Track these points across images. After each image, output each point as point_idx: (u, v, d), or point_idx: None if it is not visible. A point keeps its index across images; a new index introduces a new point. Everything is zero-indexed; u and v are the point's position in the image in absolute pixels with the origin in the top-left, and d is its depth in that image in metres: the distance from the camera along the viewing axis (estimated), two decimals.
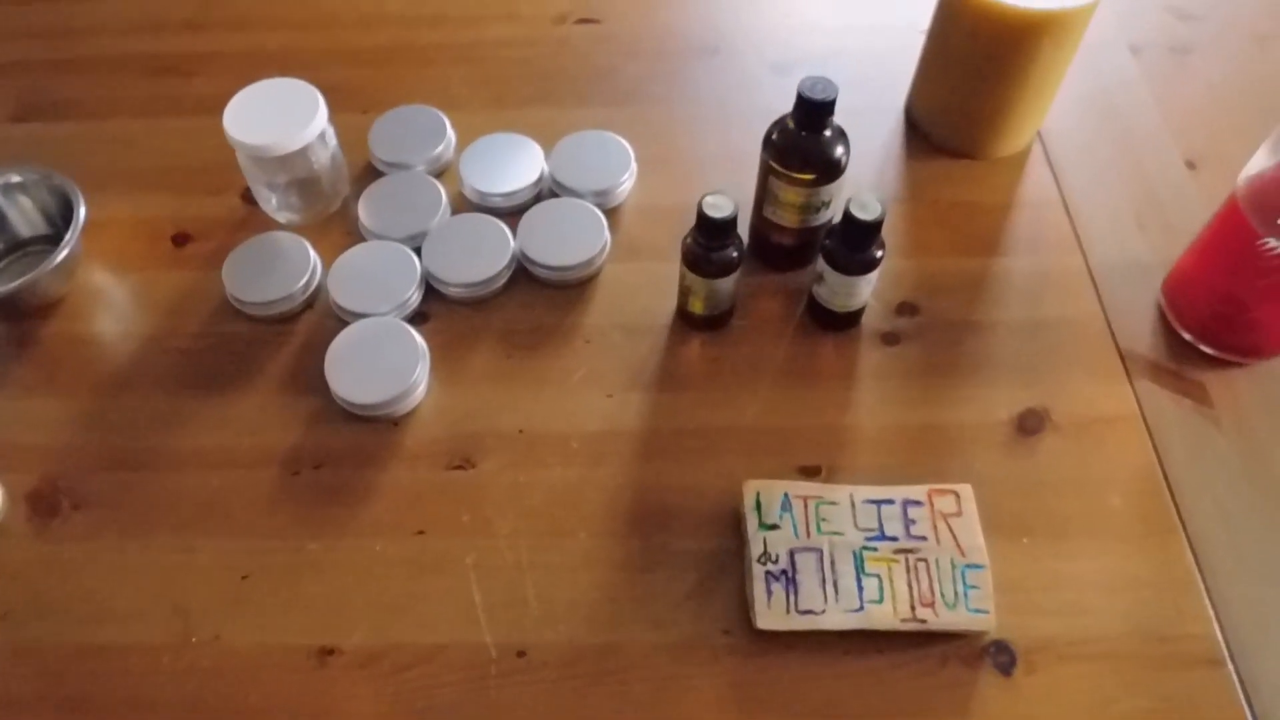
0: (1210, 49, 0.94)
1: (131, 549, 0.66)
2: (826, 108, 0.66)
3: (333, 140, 0.78)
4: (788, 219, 0.72)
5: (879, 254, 0.68)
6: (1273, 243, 0.63)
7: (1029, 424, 0.70)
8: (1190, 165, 0.84)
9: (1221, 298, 0.71)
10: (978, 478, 0.67)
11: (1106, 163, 0.85)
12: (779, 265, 0.77)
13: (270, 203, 0.80)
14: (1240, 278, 0.68)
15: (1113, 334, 0.75)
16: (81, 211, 0.76)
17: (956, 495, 0.65)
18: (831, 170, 0.69)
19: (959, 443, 0.70)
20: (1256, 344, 0.72)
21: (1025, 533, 0.66)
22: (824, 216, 0.73)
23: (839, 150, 0.68)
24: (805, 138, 0.68)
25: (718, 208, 0.66)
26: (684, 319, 0.75)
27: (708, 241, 0.67)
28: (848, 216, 0.66)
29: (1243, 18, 0.97)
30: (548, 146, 0.83)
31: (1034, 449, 0.69)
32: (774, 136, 0.70)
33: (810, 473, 0.68)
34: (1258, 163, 0.65)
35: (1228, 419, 0.70)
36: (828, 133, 0.68)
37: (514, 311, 0.76)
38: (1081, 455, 0.69)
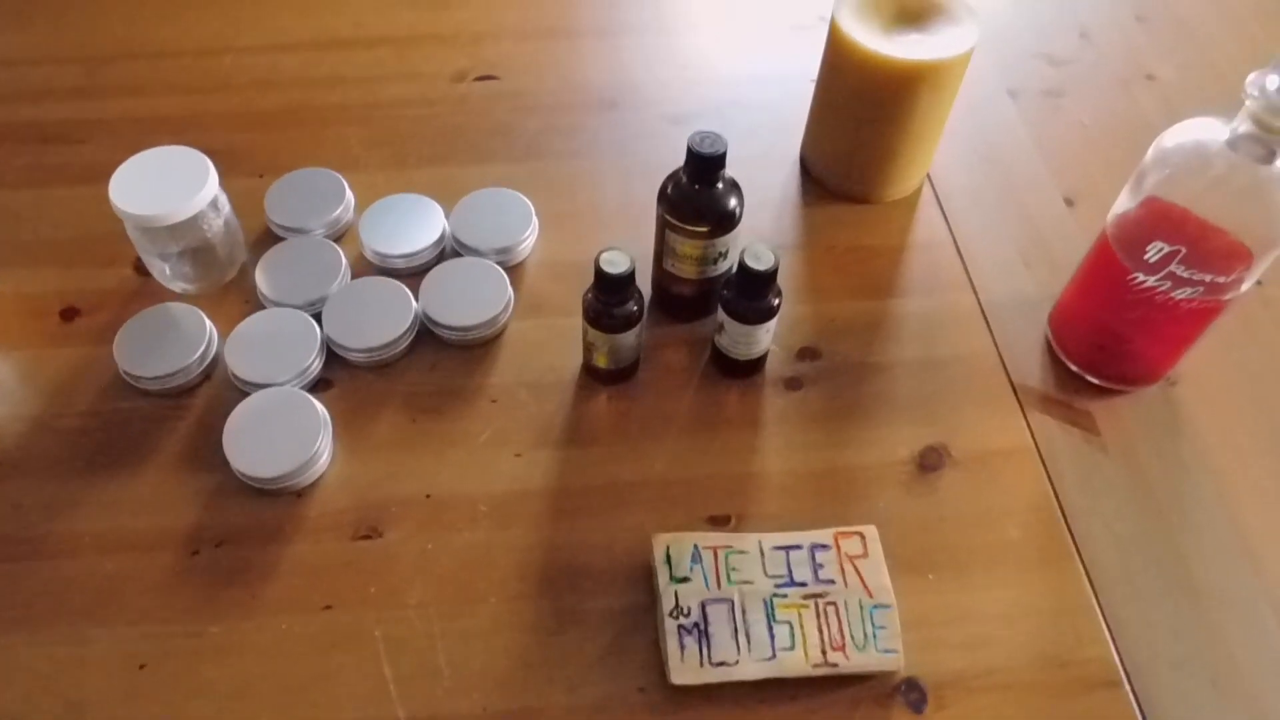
0: (1080, 92, 0.99)
1: (17, 644, 0.63)
2: (717, 161, 0.67)
3: (226, 206, 0.77)
4: (686, 271, 0.73)
5: (776, 302, 0.70)
6: (1141, 276, 0.67)
7: (929, 461, 0.72)
8: (1069, 202, 0.88)
9: (1101, 330, 0.74)
10: (882, 517, 0.68)
11: (992, 203, 0.88)
12: (681, 316, 0.78)
13: (164, 273, 0.78)
14: (1115, 311, 0.71)
15: (1005, 368, 0.77)
16: None
17: (862, 536, 0.66)
18: (726, 222, 0.70)
19: (863, 483, 0.71)
20: (1136, 373, 0.75)
21: (930, 568, 0.67)
22: (722, 267, 0.74)
23: (732, 202, 0.70)
24: (698, 191, 0.69)
25: (614, 264, 0.66)
26: (589, 373, 0.75)
27: (607, 297, 0.68)
28: (742, 267, 0.67)
29: (1107, 61, 1.02)
30: (448, 205, 0.83)
31: (934, 485, 0.71)
32: (669, 190, 0.71)
33: (719, 522, 0.69)
34: (1122, 203, 0.69)
35: (1114, 446, 0.73)
36: (720, 185, 0.69)
37: (418, 374, 0.76)
38: (980, 489, 0.71)
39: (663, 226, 0.72)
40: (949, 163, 0.89)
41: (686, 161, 0.68)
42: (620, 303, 0.68)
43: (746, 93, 0.97)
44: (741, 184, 0.71)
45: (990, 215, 0.87)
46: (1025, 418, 0.75)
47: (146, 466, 0.70)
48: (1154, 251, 0.65)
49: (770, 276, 0.67)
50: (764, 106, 0.95)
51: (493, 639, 0.63)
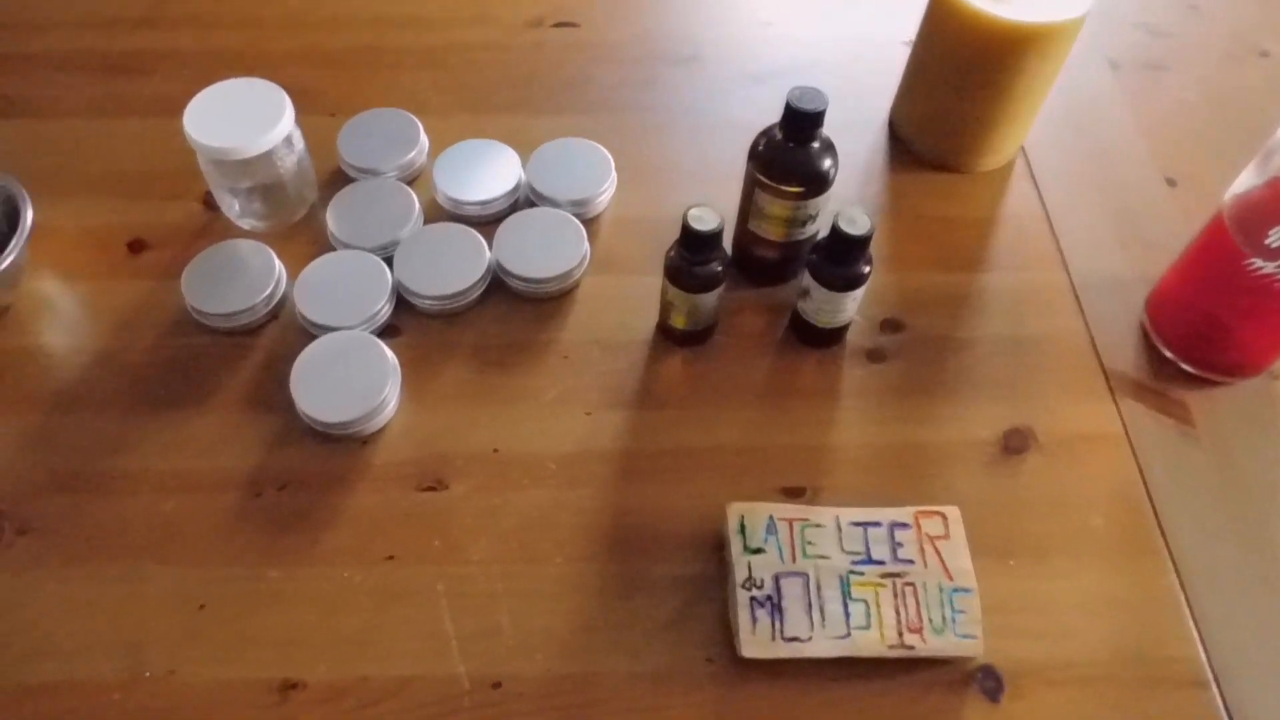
0: (1184, 66, 0.94)
1: (78, 578, 0.62)
2: (815, 119, 0.64)
3: (300, 144, 0.75)
4: (772, 232, 0.70)
5: (866, 269, 0.67)
6: (1259, 263, 0.63)
7: (1013, 443, 0.69)
8: (1170, 182, 0.84)
9: (1204, 317, 0.70)
10: (962, 497, 0.66)
11: (1088, 179, 0.84)
12: (762, 279, 0.75)
13: (233, 209, 0.77)
14: (1224, 297, 0.68)
15: (1096, 351, 0.74)
16: (29, 215, 0.72)
17: (944, 517, 0.63)
18: (819, 183, 0.67)
19: (943, 462, 0.68)
20: (1239, 363, 0.71)
21: (1010, 553, 0.64)
22: (809, 230, 0.71)
23: (827, 163, 0.67)
24: (792, 149, 0.66)
25: (703, 220, 0.64)
26: (664, 334, 0.73)
27: (691, 255, 0.65)
28: (835, 231, 0.64)
29: (1216, 35, 0.97)
30: (523, 154, 0.80)
31: (1018, 468, 0.68)
32: (760, 148, 0.68)
33: (794, 494, 0.66)
34: (1244, 181, 0.64)
35: (1209, 438, 0.70)
36: (816, 145, 0.66)
37: (488, 325, 0.73)
38: (1064, 474, 0.68)
39: (751, 185, 0.69)
40: (1044, 134, 0.85)
41: (783, 118, 0.65)
42: (705, 261, 0.66)
43: (833, 52, 0.93)
44: None
45: (1085, 191, 0.83)
46: (1116, 404, 0.71)
47: (211, 405, 0.69)
48: (1277, 236, 0.61)
49: (864, 242, 0.64)
50: (851, 67, 0.91)
51: (557, 600, 0.62)
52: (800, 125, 0.65)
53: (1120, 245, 0.80)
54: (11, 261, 0.69)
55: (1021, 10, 0.71)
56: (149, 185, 0.81)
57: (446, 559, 0.63)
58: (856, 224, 0.64)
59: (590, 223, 0.78)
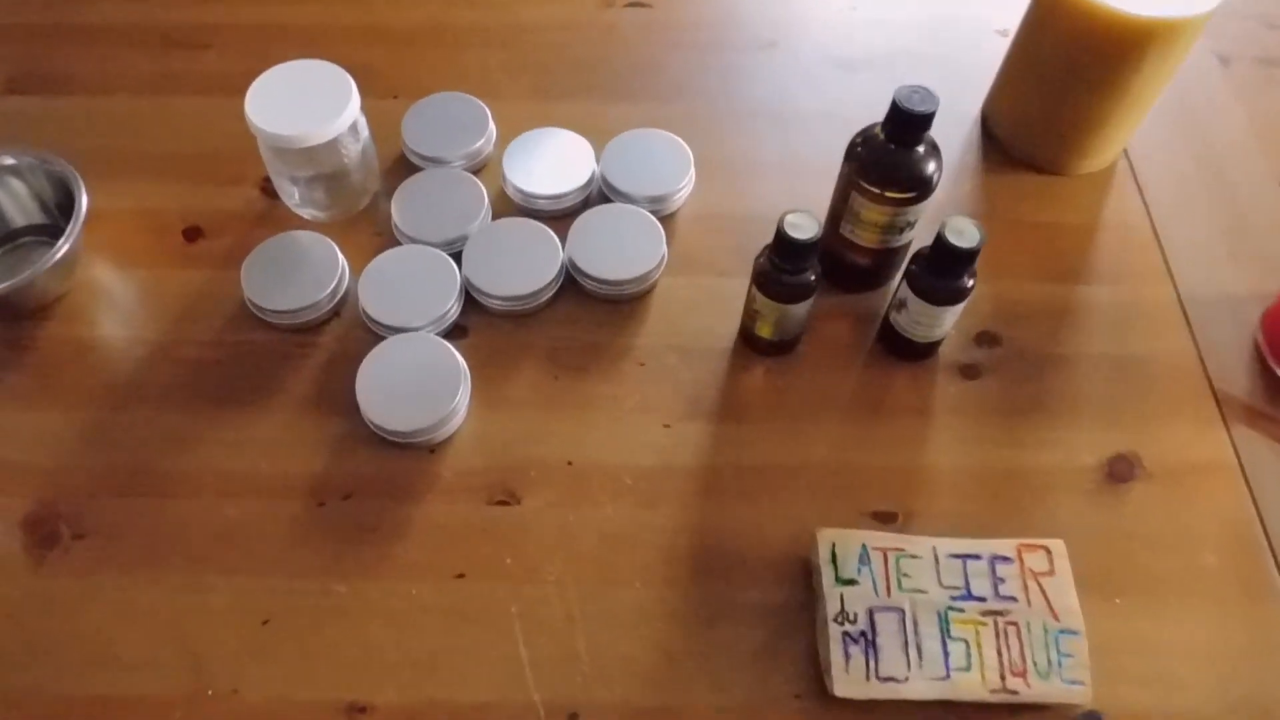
0: None
1: (138, 586, 0.59)
2: (924, 121, 0.59)
3: (365, 131, 0.71)
4: (866, 238, 0.66)
5: (970, 284, 0.62)
6: None
7: (1118, 470, 0.65)
8: None
9: None
10: (1065, 528, 0.62)
11: (1195, 184, 0.79)
12: (851, 286, 0.71)
13: (293, 197, 0.73)
14: None
15: (1206, 373, 0.69)
16: (83, 200, 0.68)
17: (1048, 552, 0.60)
18: (923, 189, 0.62)
19: (1044, 489, 0.64)
20: None
21: (1116, 591, 0.61)
22: (905, 237, 0.67)
23: (931, 167, 0.62)
24: (895, 152, 0.62)
25: (799, 228, 0.59)
26: (747, 342, 0.69)
27: (786, 264, 0.61)
28: (941, 242, 0.60)
29: None
30: (595, 143, 0.76)
31: (1123, 498, 0.64)
32: (859, 148, 0.63)
33: (885, 519, 0.63)
34: None
35: None
36: (921, 148, 0.62)
37: (561, 327, 0.70)
38: (1174, 506, 0.64)
39: (847, 187, 0.64)
40: (1148, 136, 0.80)
41: (889, 118, 0.61)
42: (799, 271, 0.61)
43: (922, 40, 0.88)
44: None
45: (1193, 198, 0.78)
46: (1228, 430, 0.67)
47: (272, 406, 0.66)
48: None
49: (972, 256, 0.60)
50: (942, 57, 0.86)
51: (636, 626, 0.58)
52: (908, 127, 0.60)
53: (1231, 257, 0.75)
54: (68, 249, 0.66)
55: (1143, 5, 0.65)
56: (205, 169, 0.77)
57: (520, 578, 0.60)
58: (965, 235, 0.60)
59: (667, 219, 0.74)
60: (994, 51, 0.81)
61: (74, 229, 0.67)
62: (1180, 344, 0.70)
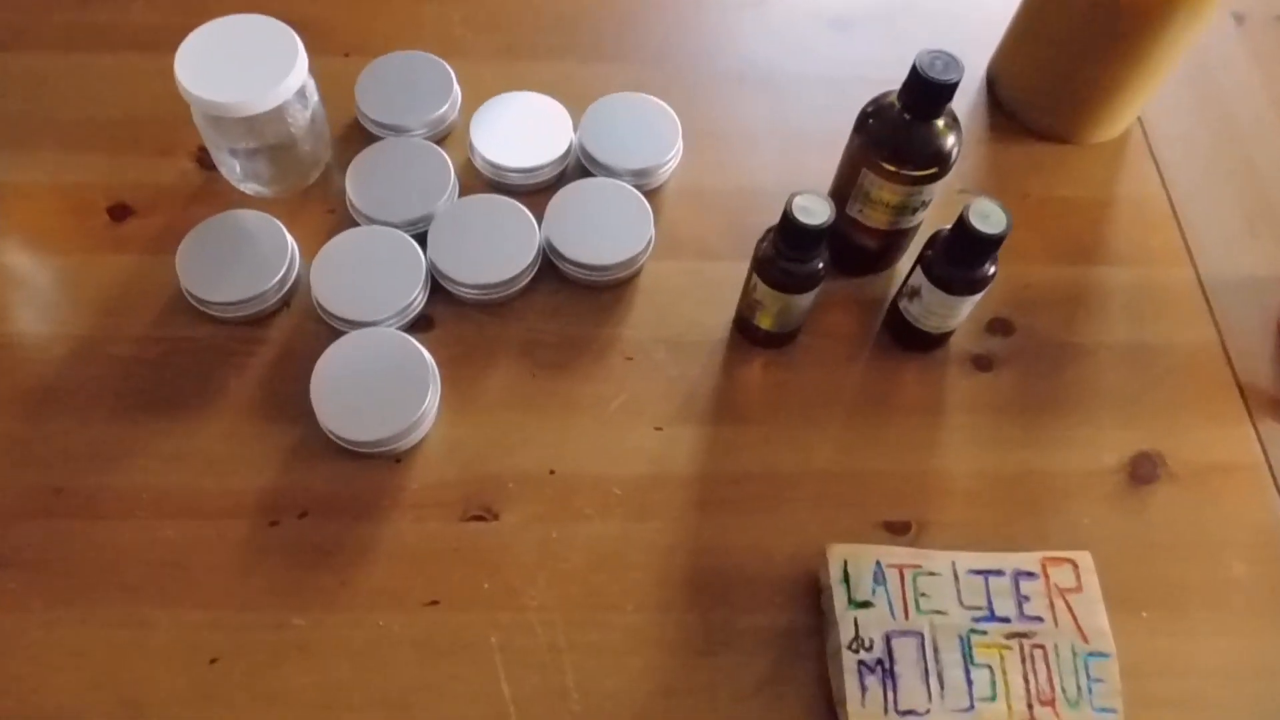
0: None
1: (66, 623, 0.52)
2: (948, 91, 0.53)
3: (314, 96, 0.63)
4: (876, 219, 0.60)
5: (991, 272, 0.57)
6: None
7: (1141, 471, 0.61)
8: None
9: None
10: (1086, 536, 0.58)
11: (1212, 154, 0.74)
12: (855, 269, 0.65)
13: (234, 171, 0.65)
14: None
15: (1230, 362, 0.65)
16: None
17: (1074, 566, 0.55)
18: (941, 166, 0.56)
19: (1064, 493, 0.60)
20: None
21: (1143, 604, 0.57)
22: (918, 218, 0.61)
23: (951, 141, 0.56)
24: (912, 125, 0.56)
25: (810, 212, 0.53)
26: (743, 332, 0.63)
27: (794, 252, 0.55)
28: (963, 227, 0.54)
29: None
30: (573, 109, 0.68)
31: (1147, 501, 0.60)
32: (872, 121, 0.57)
33: (897, 530, 0.58)
34: None
35: None
36: (942, 120, 0.55)
37: (538, 318, 0.63)
38: (1199, 510, 0.60)
39: (857, 164, 0.58)
40: (1161, 101, 0.74)
41: (907, 87, 0.54)
42: (807, 259, 0.55)
43: None
44: None
45: (1210, 170, 0.73)
46: (1254, 425, 0.63)
47: (215, 411, 0.59)
48: None
49: (997, 243, 0.54)
50: (944, 14, 0.79)
51: (629, 657, 0.53)
52: (928, 97, 0.54)
53: (1251, 235, 0.70)
54: None
55: None
56: (131, 137, 0.69)
57: (499, 604, 0.54)
58: (990, 220, 0.54)
59: (652, 194, 0.67)
60: (998, 8, 0.74)
61: None
62: (1202, 332, 0.66)
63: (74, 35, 0.74)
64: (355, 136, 0.69)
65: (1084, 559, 0.55)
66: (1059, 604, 0.54)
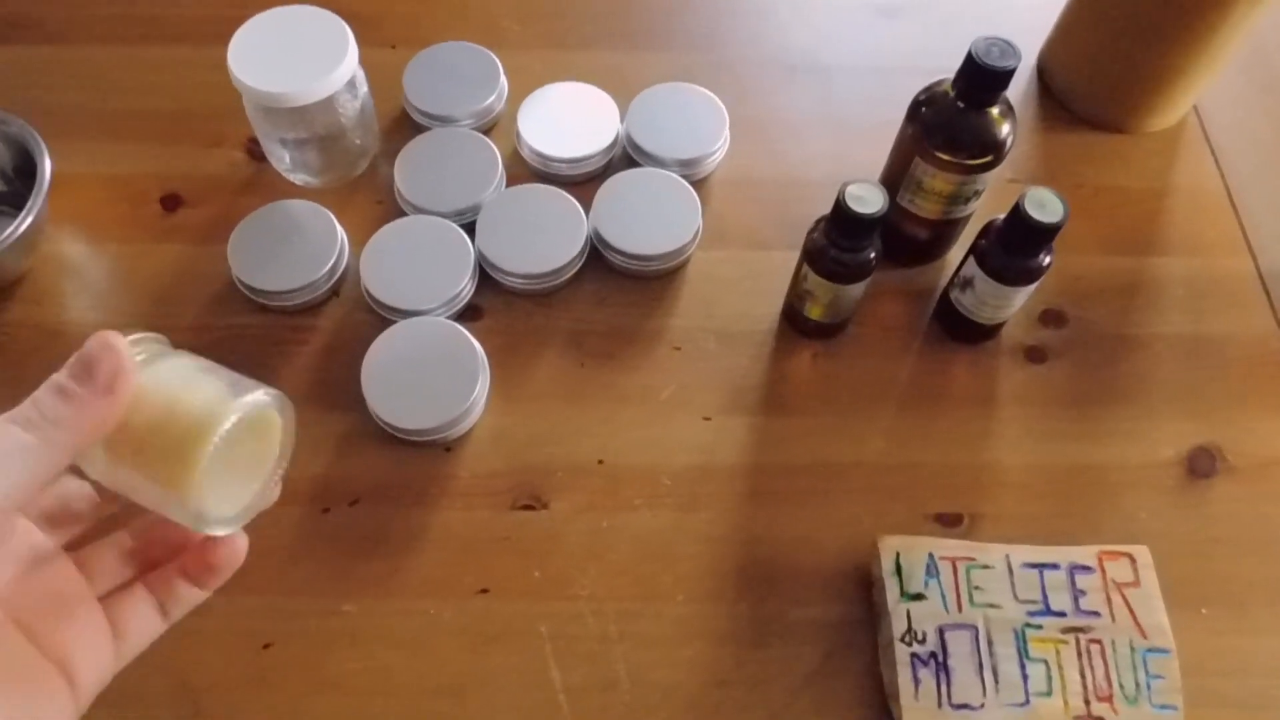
0: None
1: None
2: (1004, 79, 0.52)
3: (363, 87, 0.63)
4: (928, 209, 0.59)
5: (1046, 262, 0.56)
6: None
7: (1199, 465, 0.59)
8: None
9: None
10: (1144, 530, 0.57)
11: (1270, 143, 0.72)
12: (905, 259, 0.64)
13: (283, 161, 0.65)
14: None
15: None
16: (47, 165, 0.61)
17: (1132, 560, 0.54)
18: (996, 155, 0.56)
19: (1120, 486, 0.59)
20: None
21: (1202, 601, 0.55)
22: (970, 208, 0.60)
23: (1006, 129, 0.55)
24: (966, 113, 0.55)
25: (863, 201, 0.52)
26: (792, 322, 0.62)
27: (846, 241, 0.54)
28: (1019, 216, 0.53)
29: None
30: (619, 99, 0.68)
31: (1206, 496, 0.59)
32: (924, 109, 0.56)
33: (950, 522, 0.57)
34: None
35: None
36: (996, 109, 0.55)
37: (586, 308, 0.63)
38: (1260, 505, 0.59)
39: (910, 152, 0.57)
40: (1218, 89, 0.73)
41: (962, 74, 0.53)
42: (859, 248, 0.55)
43: None
44: None
45: (1269, 159, 0.71)
46: None
47: None
48: None
49: (1053, 232, 0.53)
50: (993, 1, 0.78)
51: (679, 647, 0.53)
52: (984, 85, 0.53)
53: None
54: (32, 222, 0.59)
55: None
56: (183, 128, 0.69)
57: (549, 594, 0.54)
58: (1047, 209, 0.53)
59: (699, 184, 0.67)
60: None
61: (37, 198, 0.59)
62: (1261, 323, 0.65)
63: (127, 28, 0.75)
64: (403, 127, 0.69)
65: (1142, 553, 0.54)
66: (1116, 599, 0.53)
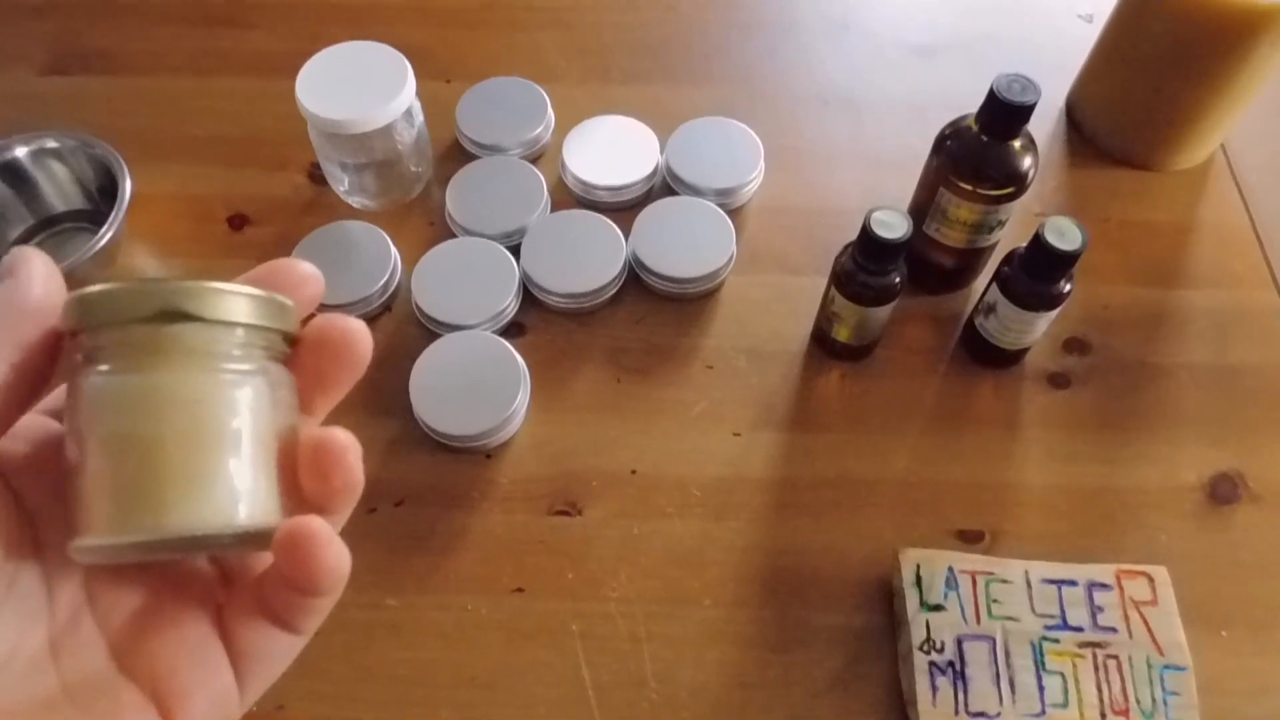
0: None
1: None
2: (1025, 113, 0.55)
3: (419, 116, 0.68)
4: (953, 238, 0.62)
5: (1067, 289, 0.58)
6: None
7: (1221, 491, 0.60)
8: None
9: None
10: (1164, 553, 0.58)
11: None
12: (932, 287, 0.67)
13: (342, 184, 0.70)
14: None
15: None
16: (127, 185, 0.65)
17: (1150, 579, 0.55)
18: (1018, 186, 0.58)
19: (1142, 509, 0.60)
20: None
21: (1223, 623, 0.56)
22: (995, 237, 0.62)
23: (1027, 162, 0.58)
24: (989, 145, 0.57)
25: (888, 226, 0.55)
26: (821, 345, 0.65)
27: (872, 264, 0.57)
28: (1040, 244, 0.55)
29: None
30: (659, 131, 0.72)
31: (1228, 521, 0.60)
32: (949, 142, 0.59)
33: (971, 539, 0.59)
34: None
35: None
36: (1018, 142, 0.57)
37: (623, 327, 0.66)
38: None
39: (935, 183, 0.60)
40: (1245, 127, 0.75)
41: (985, 109, 0.56)
42: (884, 272, 0.57)
43: (1004, 25, 0.82)
44: None
45: None
46: None
47: None
48: None
49: (1073, 259, 0.55)
50: (1023, 42, 0.81)
51: (706, 650, 0.55)
52: (1005, 119, 0.56)
53: None
54: (110, 237, 0.63)
55: None
56: (250, 153, 0.74)
57: (582, 594, 0.56)
58: (1066, 237, 0.55)
59: (734, 212, 0.70)
60: (1078, 36, 0.76)
61: (118, 215, 0.64)
62: None
63: (201, 61, 0.80)
64: (455, 155, 0.74)
65: (1160, 573, 0.55)
66: (1134, 616, 0.54)
